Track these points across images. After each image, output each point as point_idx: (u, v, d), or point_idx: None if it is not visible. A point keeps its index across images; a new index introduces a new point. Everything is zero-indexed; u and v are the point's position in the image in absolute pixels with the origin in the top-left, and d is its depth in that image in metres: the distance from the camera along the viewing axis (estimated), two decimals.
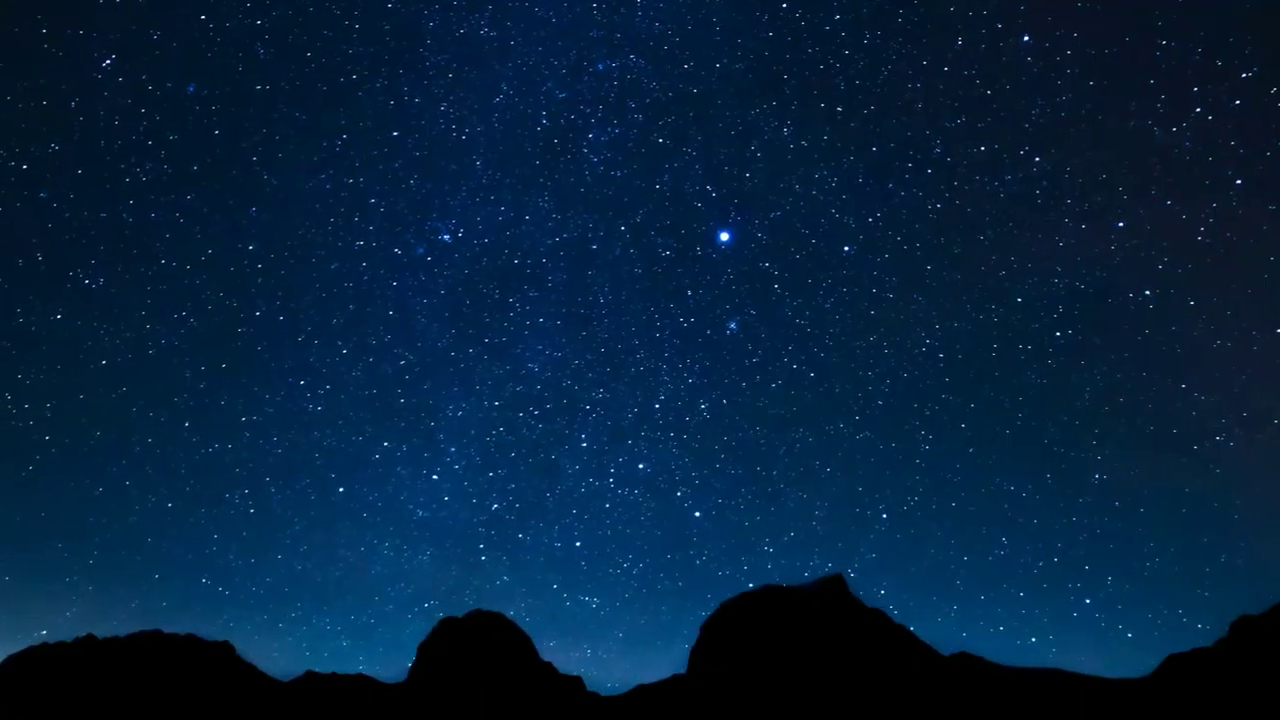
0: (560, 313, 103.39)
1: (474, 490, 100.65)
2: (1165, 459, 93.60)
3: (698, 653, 68.49)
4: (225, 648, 64.12)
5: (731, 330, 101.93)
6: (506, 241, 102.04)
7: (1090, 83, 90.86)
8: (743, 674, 64.20)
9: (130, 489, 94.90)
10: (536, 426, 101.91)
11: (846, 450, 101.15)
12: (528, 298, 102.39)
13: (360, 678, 65.38)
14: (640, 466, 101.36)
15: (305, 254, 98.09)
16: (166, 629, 64.51)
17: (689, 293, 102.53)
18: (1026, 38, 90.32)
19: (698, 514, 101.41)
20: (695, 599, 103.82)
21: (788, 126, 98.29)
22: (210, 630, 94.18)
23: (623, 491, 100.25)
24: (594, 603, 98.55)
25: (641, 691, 66.42)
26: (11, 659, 60.62)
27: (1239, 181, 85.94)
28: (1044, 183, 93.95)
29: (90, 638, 62.09)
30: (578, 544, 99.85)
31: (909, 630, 66.74)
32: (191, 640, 63.78)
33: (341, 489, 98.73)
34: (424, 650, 67.82)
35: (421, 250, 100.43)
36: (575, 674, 69.06)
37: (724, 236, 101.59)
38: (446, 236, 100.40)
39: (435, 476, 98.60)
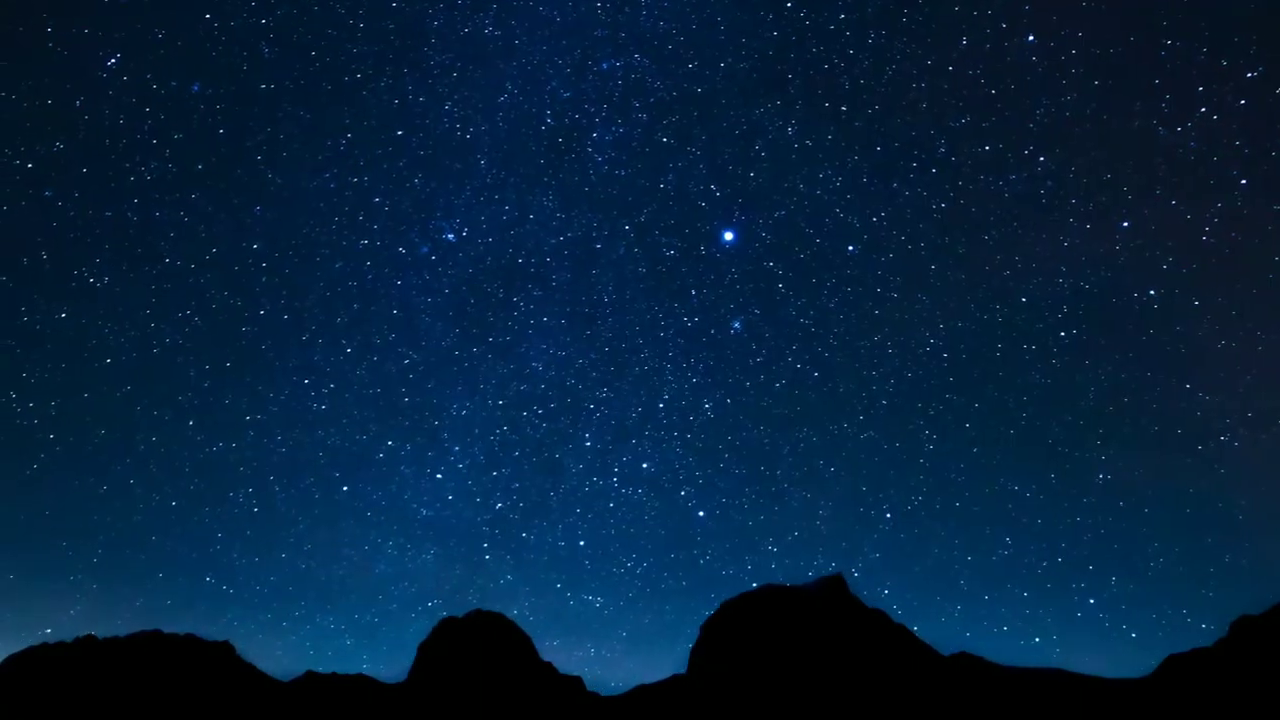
0: (564, 312, 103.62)
1: (478, 489, 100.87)
2: (1170, 459, 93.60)
3: (698, 652, 68.52)
4: (225, 648, 64.22)
5: (735, 330, 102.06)
6: (511, 240, 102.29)
7: (1095, 82, 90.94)
8: (743, 674, 64.20)
9: (134, 488, 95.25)
10: (540, 425, 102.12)
11: (850, 450, 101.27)
12: (532, 297, 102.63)
13: (360, 678, 65.44)
14: (644, 466, 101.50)
15: (309, 253, 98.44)
16: (170, 628, 64.67)
17: (693, 292, 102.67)
18: (1031, 37, 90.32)
19: (701, 513, 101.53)
20: (699, 598, 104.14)
21: (792, 126, 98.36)
22: (214, 629, 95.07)
23: (626, 491, 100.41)
24: (597, 602, 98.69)
25: (641, 691, 66.46)
26: (11, 659, 60.68)
27: (1244, 181, 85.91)
28: (1048, 182, 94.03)
29: (90, 638, 62.20)
30: (581, 543, 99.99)
31: (909, 630, 66.77)
32: (191, 640, 63.88)
33: (345, 488, 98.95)
34: (424, 650, 67.91)
35: (426, 249, 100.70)
36: (577, 674, 69.37)
37: (728, 236, 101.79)
38: (451, 235, 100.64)
39: (439, 475, 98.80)
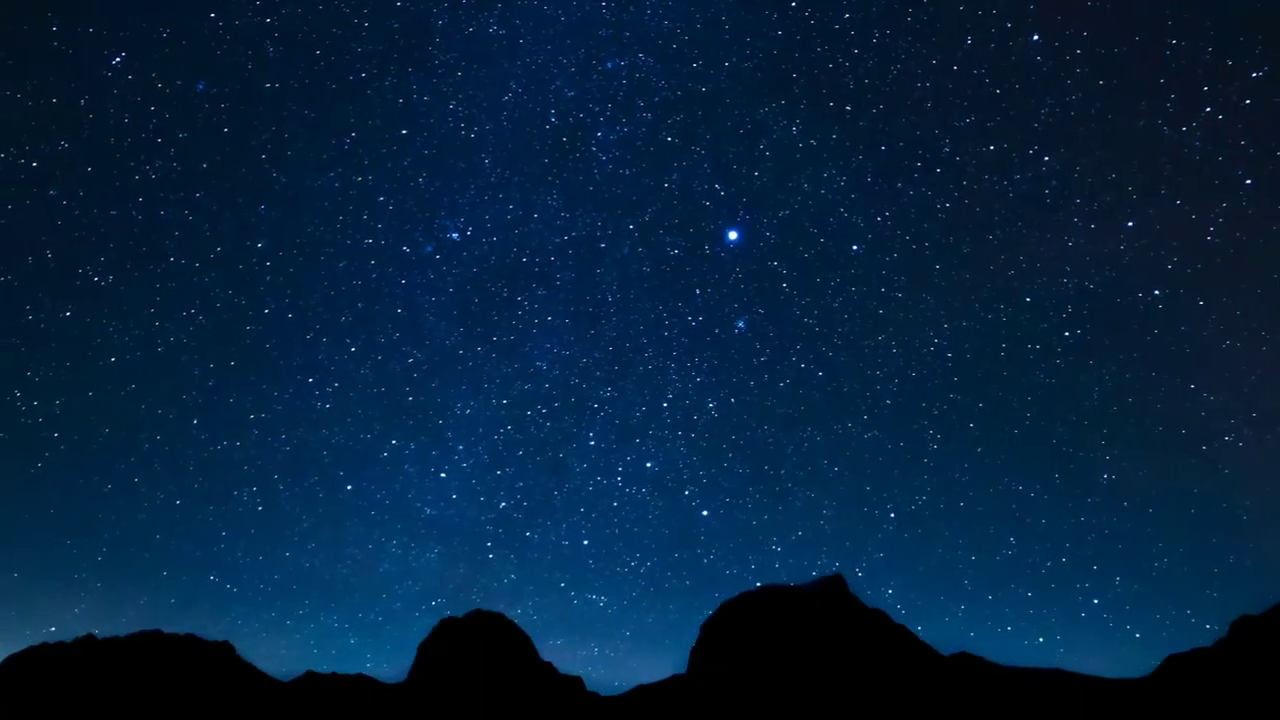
0: (568, 311, 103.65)
1: (482, 488, 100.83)
2: (1174, 459, 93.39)
3: (698, 652, 68.57)
4: (225, 648, 64.36)
5: (740, 329, 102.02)
6: (515, 240, 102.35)
7: (1100, 82, 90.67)
8: (742, 674, 64.23)
9: (139, 486, 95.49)
10: (544, 425, 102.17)
11: (854, 449, 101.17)
12: (536, 296, 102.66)
13: (360, 678, 65.50)
14: (648, 465, 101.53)
15: (314, 252, 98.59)
16: (174, 626, 64.87)
17: (697, 291, 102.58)
18: (1036, 37, 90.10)
19: (705, 513, 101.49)
20: (702, 598, 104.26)
21: (797, 125, 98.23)
22: (218, 627, 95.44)
23: (630, 490, 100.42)
24: (601, 601, 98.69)
25: (641, 691, 66.50)
26: (11, 659, 60.82)
27: (1249, 181, 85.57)
28: (1053, 182, 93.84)
29: (90, 637, 62.34)
30: (585, 542, 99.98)
31: (908, 630, 66.72)
32: (191, 640, 64.02)
33: (349, 487, 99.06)
34: (424, 650, 68.05)
35: (430, 248, 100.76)
36: (579, 673, 69.48)
37: (732, 235, 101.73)
38: (455, 234, 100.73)
39: (443, 474, 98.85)
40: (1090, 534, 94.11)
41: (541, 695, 65.48)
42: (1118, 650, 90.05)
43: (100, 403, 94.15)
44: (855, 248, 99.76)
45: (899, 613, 67.16)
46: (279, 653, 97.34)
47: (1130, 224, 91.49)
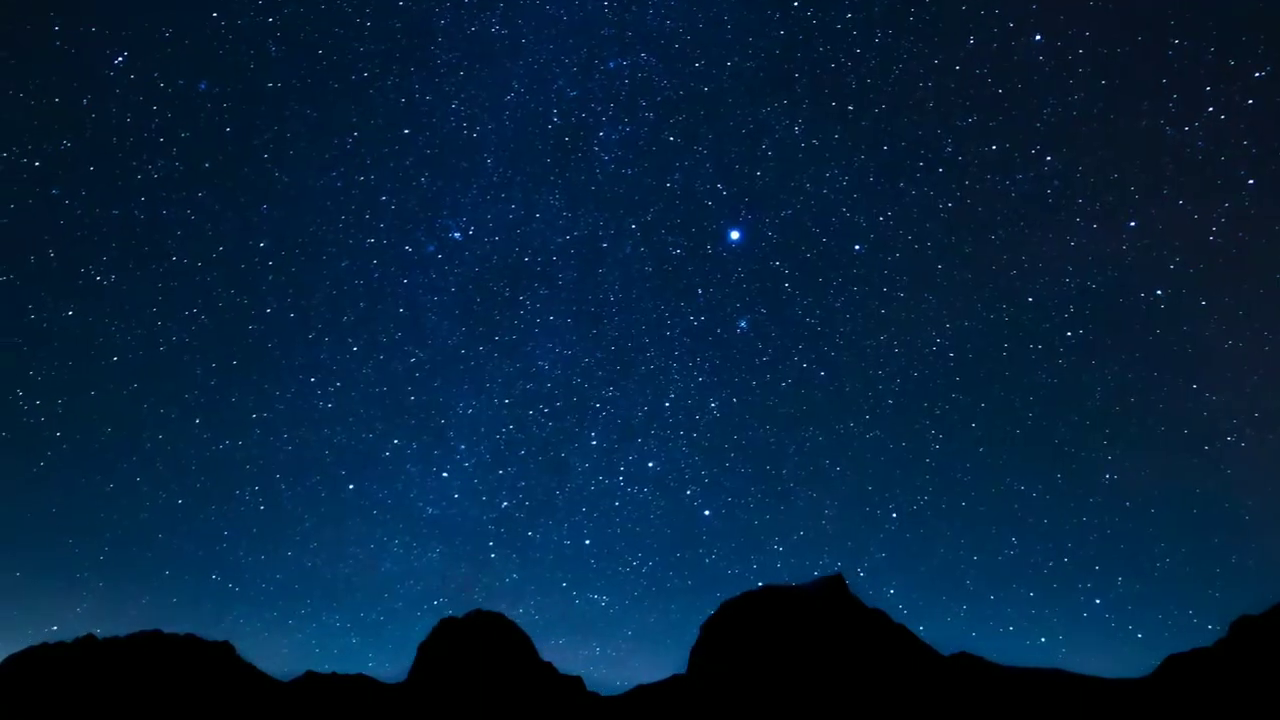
0: (570, 311, 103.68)
1: (484, 488, 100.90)
2: (1176, 459, 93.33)
3: (697, 652, 68.58)
4: (225, 648, 64.46)
5: (742, 329, 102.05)
6: (517, 239, 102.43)
7: (1102, 82, 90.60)
8: (742, 674, 64.24)
9: (141, 485, 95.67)
10: (546, 424, 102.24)
11: (856, 449, 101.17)
12: (538, 295, 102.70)
13: (360, 678, 65.56)
14: (650, 465, 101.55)
15: (316, 251, 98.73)
16: (176, 625, 65.05)
17: (699, 291, 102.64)
18: (1038, 36, 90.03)
19: (707, 512, 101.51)
20: (704, 597, 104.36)
21: (799, 125, 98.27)
22: (219, 626, 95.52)
23: (632, 490, 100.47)
24: (603, 601, 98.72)
25: (641, 691, 66.52)
26: (11, 659, 60.94)
27: (1251, 181, 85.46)
28: (1055, 182, 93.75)
29: (90, 637, 62.45)
30: (587, 542, 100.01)
31: (908, 630, 66.70)
32: (191, 640, 64.12)
33: (351, 486, 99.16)
34: (424, 650, 68.13)
35: (432, 248, 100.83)
36: (581, 673, 69.57)
37: (734, 235, 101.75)
38: (457, 234, 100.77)
39: (445, 474, 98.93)
40: (1092, 534, 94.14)
41: (541, 695, 65.52)
42: (1120, 650, 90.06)
43: (102, 402, 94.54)
44: (857, 247, 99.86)
45: (901, 613, 67.25)
46: (281, 652, 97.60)
47: (1132, 224, 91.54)
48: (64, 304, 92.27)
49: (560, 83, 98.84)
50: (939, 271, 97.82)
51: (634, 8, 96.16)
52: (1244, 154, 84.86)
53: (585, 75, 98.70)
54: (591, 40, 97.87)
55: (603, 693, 68.69)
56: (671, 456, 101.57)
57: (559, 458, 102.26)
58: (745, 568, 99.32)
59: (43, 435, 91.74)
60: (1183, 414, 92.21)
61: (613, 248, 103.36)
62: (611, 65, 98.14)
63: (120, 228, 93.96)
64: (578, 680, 68.53)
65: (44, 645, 61.53)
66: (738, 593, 70.83)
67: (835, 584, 69.30)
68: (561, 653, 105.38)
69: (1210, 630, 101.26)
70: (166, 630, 64.52)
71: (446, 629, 68.83)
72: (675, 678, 67.36)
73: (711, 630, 68.69)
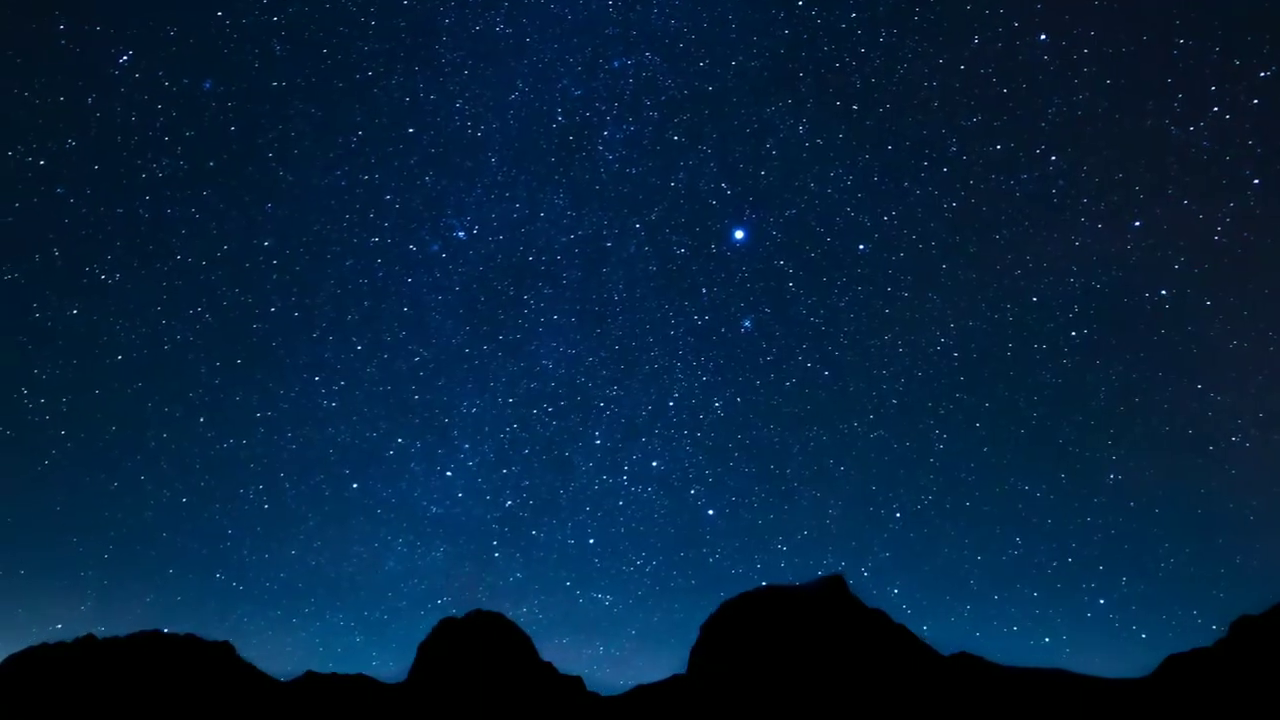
0: (574, 310, 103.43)
1: (487, 487, 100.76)
2: (1180, 459, 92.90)
3: (697, 652, 68.69)
4: (225, 648, 64.65)
5: (746, 328, 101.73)
6: (521, 238, 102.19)
7: (1107, 81, 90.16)
8: (742, 674, 64.31)
9: (145, 484, 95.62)
10: (550, 423, 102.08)
11: (860, 449, 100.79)
12: (542, 295, 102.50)
13: (360, 678, 65.74)
14: (654, 464, 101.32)
15: (320, 250, 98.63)
16: (180, 624, 65.19)
17: (703, 290, 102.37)
18: (1043, 36, 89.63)
19: (711, 512, 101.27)
20: (708, 597, 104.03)
21: (803, 124, 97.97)
22: (223, 625, 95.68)
23: (636, 489, 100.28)
24: (606, 600, 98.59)
25: (641, 691, 66.63)
26: (11, 659, 61.18)
27: (1256, 181, 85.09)
28: (1060, 182, 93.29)
29: (90, 637, 62.67)
30: (591, 541, 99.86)
31: (908, 630, 66.69)
32: (191, 640, 64.33)
33: (355, 485, 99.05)
34: (424, 650, 68.36)
35: (436, 247, 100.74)
36: (583, 672, 69.81)
37: (739, 234, 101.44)
38: (461, 233, 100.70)
39: (449, 473, 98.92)
40: (1096, 534, 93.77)
41: (541, 695, 65.65)
42: (1123, 651, 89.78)
43: (106, 401, 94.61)
44: (861, 247, 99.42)
45: (904, 612, 67.23)
46: (284, 651, 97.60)
47: (1137, 224, 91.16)
48: (68, 303, 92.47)
49: (565, 82, 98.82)
50: (943, 271, 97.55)
51: (638, 7, 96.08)
52: (1249, 154, 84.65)
53: (590, 74, 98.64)
54: (596, 39, 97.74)
55: (604, 693, 69.01)
56: (675, 456, 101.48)
57: (563, 457, 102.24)
58: (749, 567, 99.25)
59: (47, 434, 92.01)
60: (1187, 414, 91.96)
61: (617, 247, 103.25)
62: (616, 64, 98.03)
63: (124, 226, 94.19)
64: (578, 680, 68.73)
65: (43, 645, 61.79)
66: (741, 592, 71.14)
67: (835, 584, 69.33)
68: (565, 652, 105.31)
69: (1214, 631, 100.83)
70: (170, 629, 64.89)
71: (446, 629, 69.02)
72: (675, 678, 67.48)
73: (711, 630, 68.78)
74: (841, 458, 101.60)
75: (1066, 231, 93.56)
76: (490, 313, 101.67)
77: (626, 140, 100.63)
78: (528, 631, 71.54)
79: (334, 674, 65.19)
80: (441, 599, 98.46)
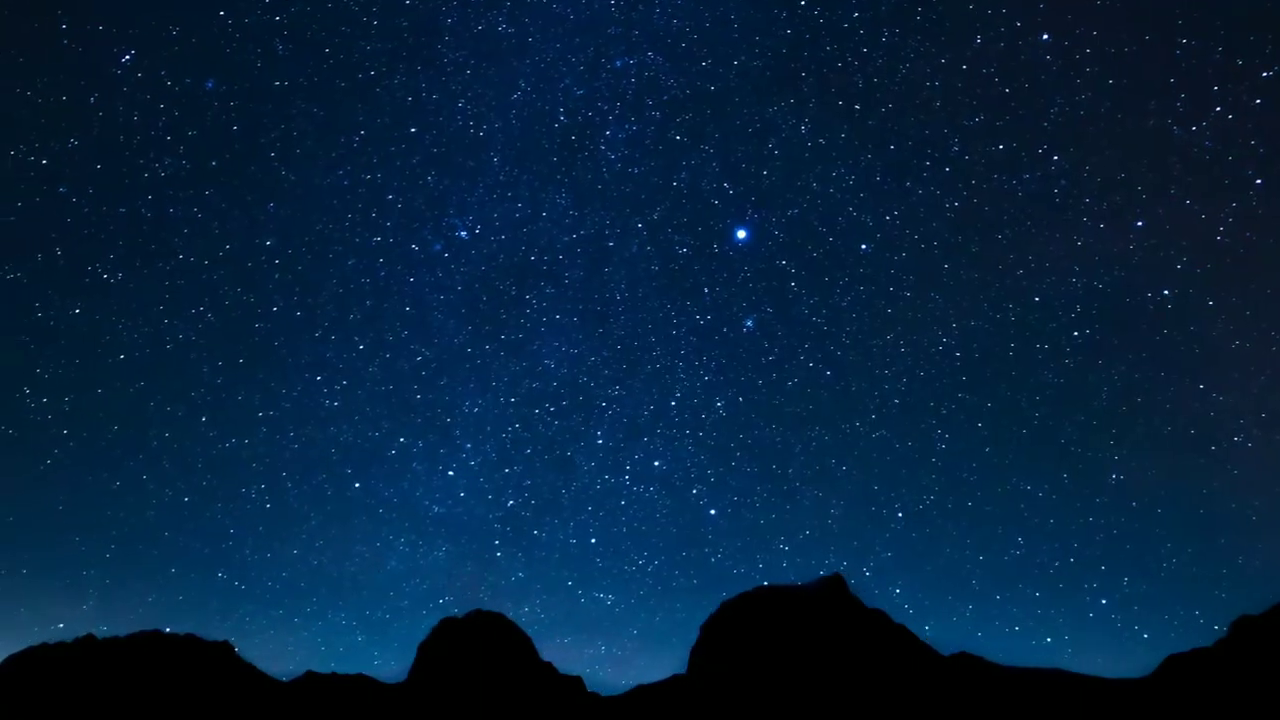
0: (577, 309, 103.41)
1: (489, 486, 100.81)
2: (1183, 459, 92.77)
3: (697, 652, 68.68)
4: (225, 648, 64.68)
5: (748, 328, 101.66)
6: (523, 238, 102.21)
7: (1109, 81, 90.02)
8: (742, 674, 64.30)
9: (147, 483, 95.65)
10: (552, 423, 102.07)
11: (862, 449, 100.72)
12: (544, 294, 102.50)
13: (360, 678, 65.72)
14: (656, 464, 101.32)
15: (323, 250, 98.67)
16: (181, 623, 65.22)
17: (706, 290, 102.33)
18: (1046, 36, 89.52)
19: (713, 511, 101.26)
20: (710, 596, 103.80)
21: (805, 124, 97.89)
22: (225, 625, 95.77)
23: (638, 489, 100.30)
24: (608, 600, 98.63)
25: (641, 691, 66.61)
26: (11, 659, 61.22)
27: (1259, 181, 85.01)
28: (1062, 181, 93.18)
29: (90, 637, 62.70)
30: (593, 541, 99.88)
31: (908, 630, 66.66)
32: (191, 640, 64.38)
33: (357, 484, 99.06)
34: (424, 650, 68.38)
35: (438, 246, 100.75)
36: (585, 672, 69.85)
37: (741, 234, 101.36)
38: (463, 233, 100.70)
39: (451, 473, 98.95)
40: (1098, 534, 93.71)
41: (541, 695, 65.68)
42: (1126, 651, 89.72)
43: (109, 400, 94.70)
44: (864, 247, 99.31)
45: (906, 612, 67.21)
46: (285, 650, 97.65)
47: (1139, 224, 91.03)
48: (70, 302, 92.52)
49: (567, 81, 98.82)
50: (945, 271, 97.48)
51: (641, 7, 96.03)
52: (1251, 154, 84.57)
53: (592, 74, 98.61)
54: (598, 39, 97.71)
55: (604, 693, 69.00)
56: (677, 455, 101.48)
57: (565, 456, 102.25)
58: (751, 567, 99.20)
59: (49, 433, 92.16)
60: (1189, 414, 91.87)
61: (619, 246, 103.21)
62: (618, 64, 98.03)
63: (127, 226, 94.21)
64: (578, 680, 68.75)
65: (43, 645, 61.83)
66: (741, 592, 71.14)
67: (835, 584, 69.30)
68: (566, 652, 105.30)
69: (1216, 631, 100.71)
70: (172, 629, 64.91)
71: (446, 628, 69.04)
72: (675, 678, 67.48)
73: (710, 630, 68.78)
74: (843, 457, 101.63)
75: (1068, 231, 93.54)
76: (492, 312, 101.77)
77: (629, 140, 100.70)
78: (530, 631, 71.66)
79: (334, 674, 65.24)
80: (443, 598, 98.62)
